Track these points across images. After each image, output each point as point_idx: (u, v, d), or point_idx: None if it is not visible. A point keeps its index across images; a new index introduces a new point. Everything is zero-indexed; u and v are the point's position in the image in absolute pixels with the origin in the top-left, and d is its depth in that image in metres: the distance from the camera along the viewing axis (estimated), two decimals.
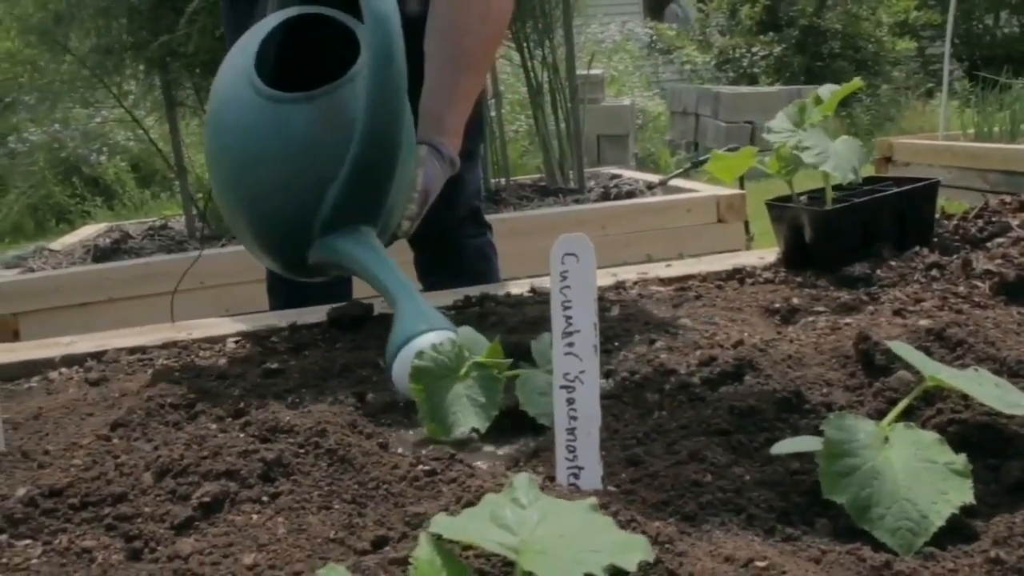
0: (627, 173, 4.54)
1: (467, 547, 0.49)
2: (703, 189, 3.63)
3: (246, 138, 1.23)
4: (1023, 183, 4.30)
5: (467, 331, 0.96)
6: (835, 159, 1.29)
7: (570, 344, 0.71)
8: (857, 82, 1.41)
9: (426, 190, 1.36)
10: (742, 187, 3.54)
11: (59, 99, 4.11)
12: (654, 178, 4.17)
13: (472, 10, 1.48)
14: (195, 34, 3.32)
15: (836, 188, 1.47)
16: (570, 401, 0.71)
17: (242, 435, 0.87)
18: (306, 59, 1.37)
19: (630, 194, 3.80)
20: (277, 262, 1.35)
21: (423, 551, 0.46)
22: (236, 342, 1.35)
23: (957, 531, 0.66)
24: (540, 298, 1.42)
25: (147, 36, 3.50)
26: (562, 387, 0.71)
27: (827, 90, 1.45)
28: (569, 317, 0.71)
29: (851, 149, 1.33)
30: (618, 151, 7.20)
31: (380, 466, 0.79)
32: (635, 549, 0.48)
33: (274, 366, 1.12)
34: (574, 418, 0.71)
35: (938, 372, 0.78)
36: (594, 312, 0.71)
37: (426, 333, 0.98)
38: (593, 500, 0.53)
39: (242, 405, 0.96)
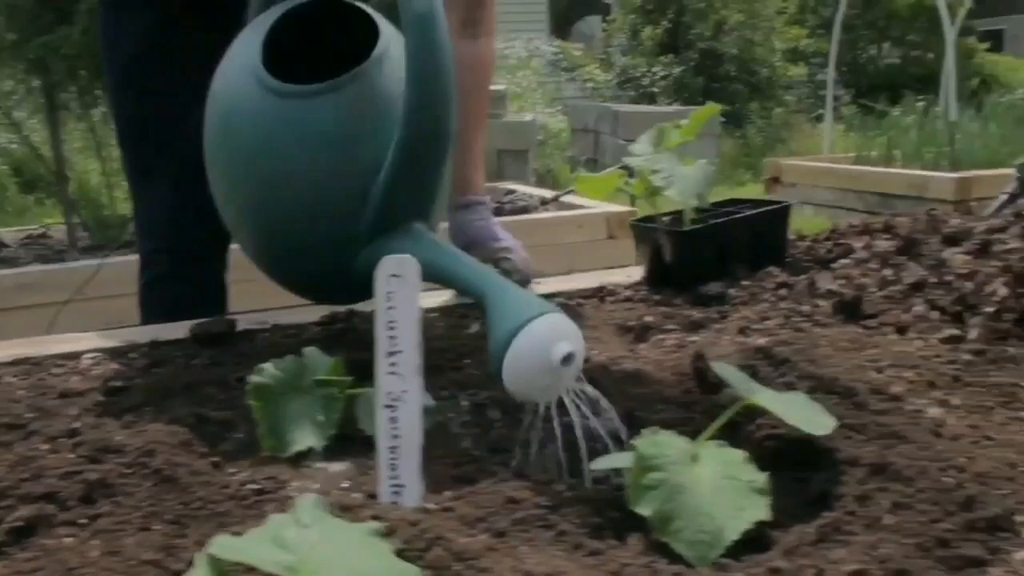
0: (523, 188, 4.57)
1: (250, 569, 0.50)
2: (595, 206, 3.67)
3: (266, 147, 1.05)
4: (896, 205, 4.52)
5: (312, 351, 0.95)
6: (681, 183, 1.34)
7: (393, 364, 0.72)
8: (714, 107, 1.47)
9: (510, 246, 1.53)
10: (633, 204, 3.60)
11: None
12: (549, 194, 4.21)
13: (465, 66, 1.39)
14: (77, 35, 3.22)
15: (698, 210, 1.53)
16: (393, 420, 0.72)
17: (71, 456, 0.85)
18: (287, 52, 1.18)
19: (524, 209, 3.83)
20: (313, 285, 1.19)
21: (199, 573, 0.47)
22: (92, 359, 1.31)
23: (758, 541, 0.70)
24: None
25: (28, 35, 3.38)
26: (386, 406, 0.73)
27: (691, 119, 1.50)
28: (393, 337, 0.72)
29: (699, 174, 1.38)
30: (519, 166, 7.25)
31: (208, 486, 0.78)
32: None
33: (118, 384, 1.09)
34: (396, 436, 0.72)
35: (754, 393, 0.82)
36: (417, 332, 0.72)
37: (533, 320, 0.85)
38: (374, 524, 0.54)
39: (78, 425, 0.94)
